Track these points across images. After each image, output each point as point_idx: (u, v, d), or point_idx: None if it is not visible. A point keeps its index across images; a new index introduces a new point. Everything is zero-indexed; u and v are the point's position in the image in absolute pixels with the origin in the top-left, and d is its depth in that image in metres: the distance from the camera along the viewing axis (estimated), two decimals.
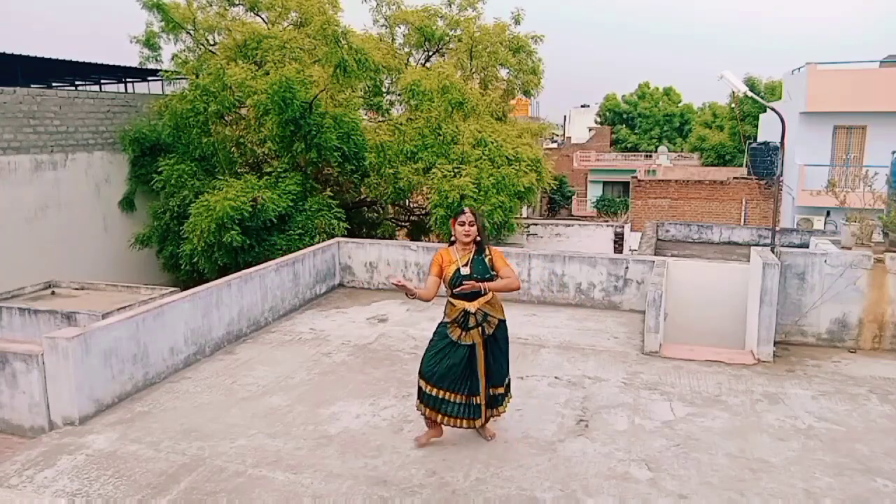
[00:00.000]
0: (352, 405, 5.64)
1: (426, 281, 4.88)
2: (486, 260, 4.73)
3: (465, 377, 4.71)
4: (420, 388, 4.80)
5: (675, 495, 4.28)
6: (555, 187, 33.79)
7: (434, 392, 4.71)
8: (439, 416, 4.76)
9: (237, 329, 7.41)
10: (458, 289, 4.65)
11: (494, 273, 4.72)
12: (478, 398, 4.75)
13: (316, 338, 7.51)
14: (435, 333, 4.86)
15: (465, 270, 4.67)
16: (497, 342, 4.79)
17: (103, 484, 4.39)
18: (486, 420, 4.90)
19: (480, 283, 4.62)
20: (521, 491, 4.32)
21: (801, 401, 5.77)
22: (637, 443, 4.98)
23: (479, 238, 4.75)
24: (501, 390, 4.87)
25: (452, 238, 4.82)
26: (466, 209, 4.83)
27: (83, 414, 5.35)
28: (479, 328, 4.69)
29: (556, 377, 6.30)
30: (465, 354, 4.70)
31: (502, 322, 4.82)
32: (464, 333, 4.69)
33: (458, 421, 4.78)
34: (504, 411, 4.98)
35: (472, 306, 4.67)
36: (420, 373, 4.81)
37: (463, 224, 4.72)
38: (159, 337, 6.21)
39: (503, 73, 18.31)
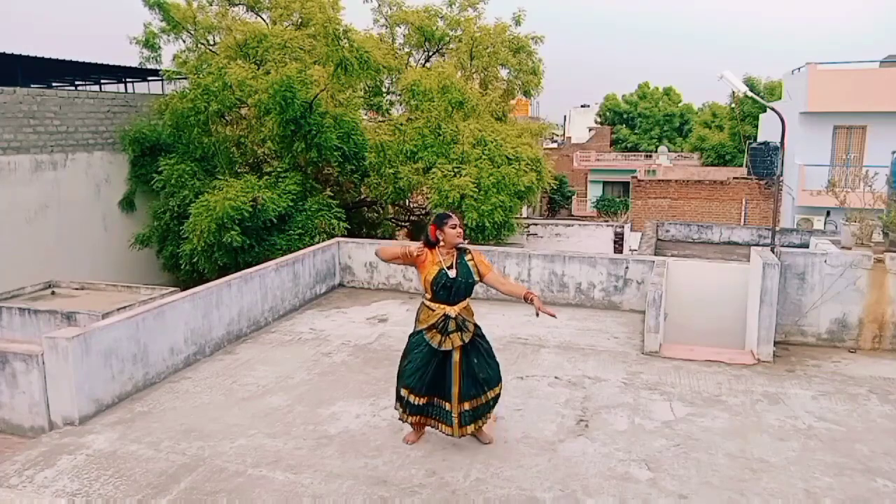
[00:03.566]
0: (352, 405, 5.64)
1: (394, 246, 4.76)
2: (471, 264, 4.67)
3: (437, 382, 4.63)
4: (402, 396, 4.71)
5: (675, 495, 4.28)
6: (555, 187, 33.78)
7: (418, 401, 4.66)
8: (421, 418, 4.75)
9: (237, 329, 7.41)
10: (451, 286, 4.57)
11: (478, 279, 4.68)
12: (448, 405, 4.66)
13: (316, 338, 7.51)
14: (411, 343, 4.71)
15: (452, 273, 4.57)
16: (477, 347, 4.69)
17: (103, 484, 4.39)
18: (462, 433, 4.73)
19: (541, 305, 4.61)
20: (521, 491, 4.32)
21: (801, 401, 5.77)
22: (637, 443, 4.98)
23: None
24: (491, 396, 4.71)
25: (440, 240, 4.63)
26: (451, 213, 4.73)
27: (83, 414, 5.35)
28: (459, 333, 4.60)
29: (556, 377, 6.30)
30: (442, 360, 4.61)
31: (478, 326, 4.75)
32: (443, 339, 4.57)
33: (432, 421, 4.75)
34: (483, 424, 4.81)
35: (452, 311, 4.58)
36: (402, 384, 4.70)
37: (455, 226, 4.61)
38: (159, 337, 6.21)
39: (503, 73, 18.31)
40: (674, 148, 52.82)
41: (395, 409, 4.85)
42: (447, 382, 4.64)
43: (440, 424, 4.75)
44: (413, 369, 4.63)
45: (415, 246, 4.68)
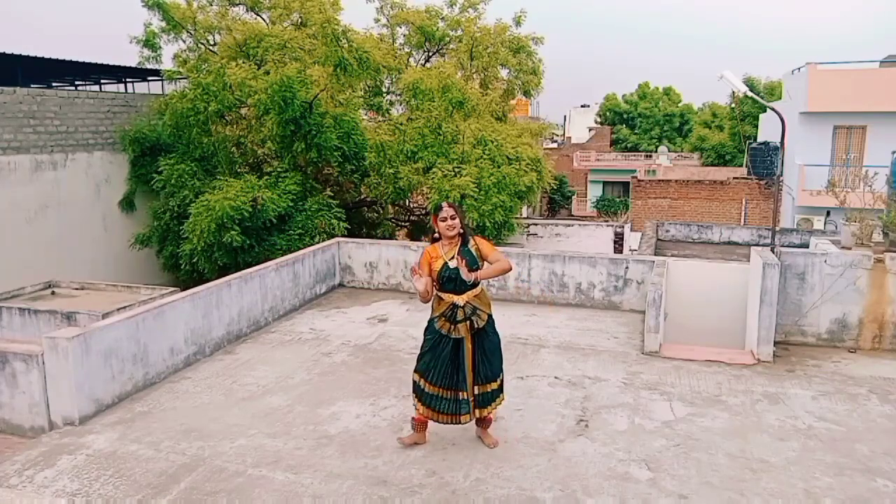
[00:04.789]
0: (352, 405, 5.64)
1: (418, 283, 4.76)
2: (473, 250, 4.69)
3: (451, 372, 4.66)
4: (416, 384, 4.77)
5: (675, 495, 4.28)
6: (555, 187, 33.77)
7: (430, 389, 4.69)
8: (431, 413, 4.74)
9: (237, 329, 7.41)
10: (456, 277, 4.57)
11: (482, 263, 4.70)
12: (464, 393, 4.68)
13: (316, 338, 7.51)
14: (426, 330, 4.82)
15: (453, 264, 4.61)
16: (487, 337, 4.74)
17: (103, 484, 4.39)
18: (478, 418, 4.83)
19: (471, 274, 4.54)
20: (521, 491, 4.32)
21: (801, 401, 5.77)
22: (637, 443, 4.98)
23: (462, 230, 4.70)
24: (494, 386, 4.77)
25: (436, 234, 4.75)
26: (444, 203, 4.76)
27: (83, 414, 5.35)
28: (468, 322, 4.64)
29: (556, 377, 6.30)
30: (453, 348, 4.65)
31: (490, 317, 4.77)
32: (452, 327, 4.63)
33: (445, 417, 4.73)
34: (494, 409, 4.88)
35: (460, 300, 4.62)
36: (416, 369, 4.79)
37: (444, 219, 4.65)
38: (159, 337, 6.21)
39: (503, 73, 18.32)
40: (674, 148, 52.84)
41: (414, 404, 4.87)
42: (461, 372, 4.66)
43: (455, 417, 4.73)
44: (426, 356, 4.71)
45: (416, 263, 4.76)
